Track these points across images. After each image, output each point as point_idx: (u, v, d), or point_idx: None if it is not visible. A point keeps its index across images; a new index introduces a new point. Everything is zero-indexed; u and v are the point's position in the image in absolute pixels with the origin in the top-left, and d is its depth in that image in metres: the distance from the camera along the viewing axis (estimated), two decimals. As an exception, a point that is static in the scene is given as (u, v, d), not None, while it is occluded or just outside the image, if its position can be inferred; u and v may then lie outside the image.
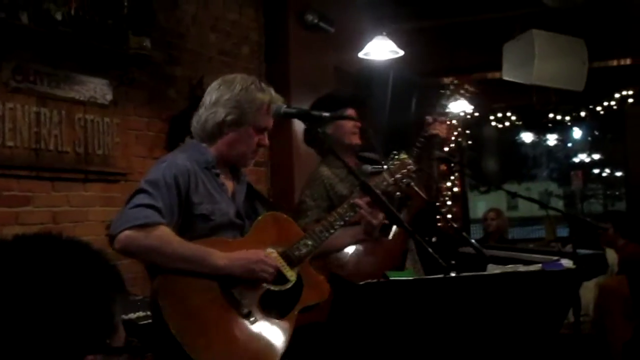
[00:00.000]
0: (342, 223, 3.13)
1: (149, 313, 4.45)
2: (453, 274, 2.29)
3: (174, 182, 2.85)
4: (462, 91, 4.39)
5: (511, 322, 2.42)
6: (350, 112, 4.25)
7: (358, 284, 2.13)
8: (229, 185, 3.11)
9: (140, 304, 4.51)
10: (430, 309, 2.25)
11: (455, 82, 4.40)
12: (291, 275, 2.99)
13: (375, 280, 2.17)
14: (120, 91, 5.24)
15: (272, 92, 3.09)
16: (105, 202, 5.08)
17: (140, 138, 5.52)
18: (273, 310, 2.91)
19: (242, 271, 2.83)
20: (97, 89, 5.02)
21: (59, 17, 4.48)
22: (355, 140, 4.24)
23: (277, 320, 2.90)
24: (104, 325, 1.36)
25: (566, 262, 2.52)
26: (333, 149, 3.42)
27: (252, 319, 2.84)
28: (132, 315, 4.38)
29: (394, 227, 4.01)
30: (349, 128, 4.23)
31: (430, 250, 2.58)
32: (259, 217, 3.09)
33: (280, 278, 2.95)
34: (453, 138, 11.29)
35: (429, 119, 4.37)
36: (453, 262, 2.42)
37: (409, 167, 3.40)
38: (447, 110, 4.39)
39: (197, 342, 2.70)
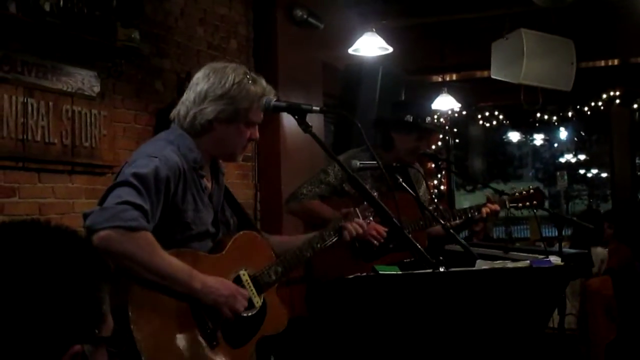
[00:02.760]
0: (311, 253, 3.16)
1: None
2: (442, 269, 2.29)
3: (164, 185, 2.71)
4: (527, 203, 4.45)
5: (499, 318, 2.42)
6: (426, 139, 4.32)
7: (348, 277, 2.12)
8: (208, 186, 2.99)
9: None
10: (419, 304, 2.25)
11: (531, 190, 4.47)
12: (257, 302, 2.94)
13: (364, 274, 2.17)
14: (107, 83, 5.21)
15: (264, 82, 2.98)
16: (91, 195, 5.05)
17: (127, 131, 5.50)
18: (233, 335, 2.85)
19: (210, 299, 2.73)
20: (85, 80, 4.99)
21: (47, 7, 4.44)
22: (412, 160, 4.31)
23: (234, 349, 2.85)
24: (92, 314, 1.34)
25: (554, 259, 2.52)
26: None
27: (214, 342, 2.78)
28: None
29: None
30: (414, 147, 4.27)
31: (418, 246, 2.57)
32: (237, 235, 3.00)
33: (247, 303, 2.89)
34: (440, 136, 11.33)
35: (489, 196, 4.42)
36: (441, 257, 2.42)
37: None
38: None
39: (155, 356, 2.62)
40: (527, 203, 4.44)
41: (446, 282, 2.31)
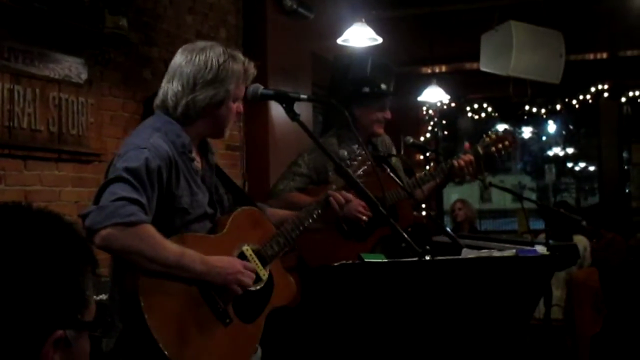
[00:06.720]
0: (310, 221, 3.17)
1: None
2: (428, 258, 2.29)
3: (157, 175, 2.73)
4: (500, 146, 4.30)
5: (484, 307, 2.42)
6: (386, 106, 4.26)
7: (333, 265, 2.12)
8: (199, 167, 3.00)
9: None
10: (404, 292, 2.25)
11: (500, 133, 4.32)
12: (264, 274, 2.98)
13: (350, 262, 2.16)
14: (95, 71, 5.18)
15: (241, 56, 2.98)
16: (78, 183, 5.04)
17: (114, 119, 5.47)
18: (244, 310, 2.90)
19: (218, 279, 2.77)
20: (72, 67, 4.96)
21: (34, -7, 4.42)
22: (380, 130, 4.25)
23: (247, 324, 2.90)
24: (75, 299, 1.33)
25: (540, 249, 2.53)
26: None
27: (227, 320, 2.83)
28: (103, 297, 4.35)
29: None
30: (377, 117, 4.23)
31: (405, 235, 2.57)
32: (236, 212, 3.02)
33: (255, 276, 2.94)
34: (430, 128, 11.34)
35: (467, 145, 4.32)
36: (428, 247, 2.41)
37: (367, 163, 3.40)
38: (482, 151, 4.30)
39: (172, 341, 2.68)
40: (500, 145, 4.34)
41: (432, 271, 2.31)
